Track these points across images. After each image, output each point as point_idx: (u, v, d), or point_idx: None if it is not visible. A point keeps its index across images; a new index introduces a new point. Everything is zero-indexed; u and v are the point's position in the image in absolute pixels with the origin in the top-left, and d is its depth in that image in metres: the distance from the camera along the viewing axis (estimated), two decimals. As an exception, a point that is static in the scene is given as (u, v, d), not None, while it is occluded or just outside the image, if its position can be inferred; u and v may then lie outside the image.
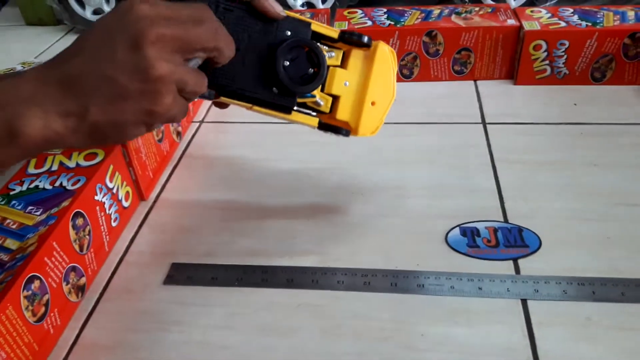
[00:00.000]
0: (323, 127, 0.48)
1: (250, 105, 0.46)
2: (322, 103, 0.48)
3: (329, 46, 0.49)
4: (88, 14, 1.05)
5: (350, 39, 0.48)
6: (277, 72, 0.45)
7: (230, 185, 0.64)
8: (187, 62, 0.38)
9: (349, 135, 0.49)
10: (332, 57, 0.48)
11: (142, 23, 0.35)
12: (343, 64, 0.49)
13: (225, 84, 0.44)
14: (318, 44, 0.47)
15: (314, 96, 0.48)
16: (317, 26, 0.47)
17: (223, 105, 0.54)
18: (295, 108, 0.47)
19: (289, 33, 0.46)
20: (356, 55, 0.49)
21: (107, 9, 1.04)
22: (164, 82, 0.35)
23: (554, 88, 0.78)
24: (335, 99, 0.49)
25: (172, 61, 0.36)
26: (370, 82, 0.49)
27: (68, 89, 0.35)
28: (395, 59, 0.50)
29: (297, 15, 0.47)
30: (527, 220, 0.55)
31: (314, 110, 0.49)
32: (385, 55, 0.49)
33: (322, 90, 0.48)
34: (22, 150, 0.35)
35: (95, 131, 0.36)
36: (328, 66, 0.48)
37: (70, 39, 1.08)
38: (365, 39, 0.48)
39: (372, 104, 0.49)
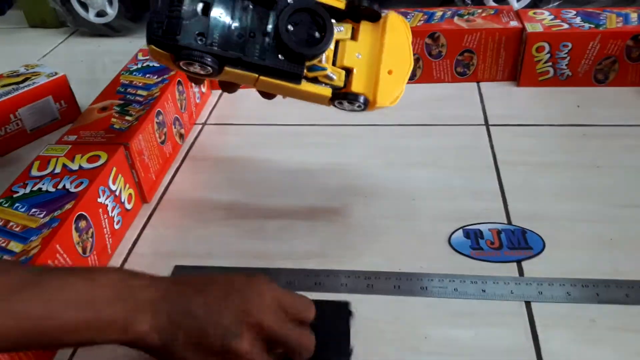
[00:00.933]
0: (337, 97, 0.46)
1: (256, 76, 0.44)
2: (334, 77, 0.46)
3: (337, 21, 0.46)
4: (91, 16, 1.05)
5: (360, 7, 0.46)
6: (280, 36, 0.43)
7: (232, 187, 0.64)
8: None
9: (367, 105, 0.46)
10: (341, 31, 0.46)
11: (262, 307, 0.39)
12: (353, 37, 0.47)
13: (229, 55, 0.43)
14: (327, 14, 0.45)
15: (325, 69, 0.45)
16: None
17: (230, 88, 0.51)
18: (305, 80, 0.45)
19: (290, 0, 0.44)
20: (366, 27, 0.47)
21: (109, 11, 1.04)
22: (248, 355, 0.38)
23: (557, 90, 0.78)
24: (349, 72, 0.46)
25: (258, 347, 0.39)
26: (384, 51, 0.46)
27: (173, 324, 0.37)
28: (408, 28, 0.48)
29: None
30: (530, 222, 0.55)
31: (327, 85, 0.46)
32: (398, 23, 0.47)
33: (334, 65, 0.46)
34: (112, 341, 0.37)
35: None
36: (338, 40, 0.46)
37: (73, 41, 1.08)
38: (375, 5, 0.46)
39: (389, 72, 0.46)
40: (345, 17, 0.47)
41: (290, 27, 0.43)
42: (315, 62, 0.45)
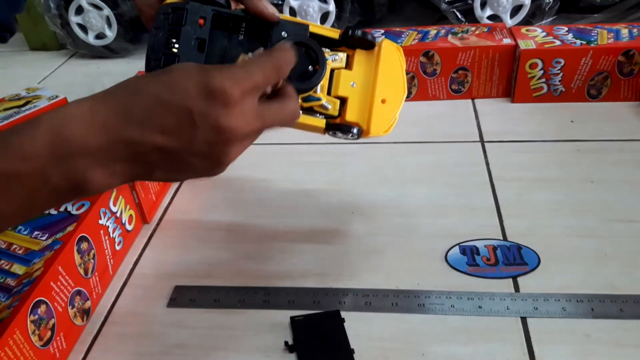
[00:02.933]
0: (331, 127, 0.46)
1: None
2: (329, 106, 0.46)
3: (331, 49, 0.48)
4: (90, 38, 1.06)
5: (353, 38, 0.46)
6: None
7: (231, 207, 0.65)
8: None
9: (360, 135, 0.47)
10: (335, 60, 0.47)
11: (234, 124, 0.35)
12: (348, 66, 0.48)
13: None
14: (320, 47, 0.46)
15: (319, 99, 0.46)
16: (316, 27, 0.46)
17: None
18: (300, 112, 0.46)
19: (285, 34, 0.45)
20: (361, 56, 0.48)
21: (109, 33, 1.05)
22: (231, 161, 0.37)
23: (551, 105, 0.79)
24: (343, 101, 0.47)
25: (248, 144, 0.38)
26: (377, 80, 0.47)
27: (137, 157, 0.34)
28: (402, 55, 0.49)
29: (293, 19, 0.46)
30: (525, 237, 0.56)
31: (322, 115, 0.47)
32: (392, 51, 0.48)
33: (328, 94, 0.47)
34: (77, 199, 0.36)
35: (153, 180, 0.37)
36: (332, 70, 0.47)
37: (73, 64, 1.10)
38: (369, 36, 0.47)
39: (383, 101, 0.47)
40: (341, 45, 0.48)
41: None
42: (310, 92, 0.46)
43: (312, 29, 0.46)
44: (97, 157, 0.33)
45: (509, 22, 0.95)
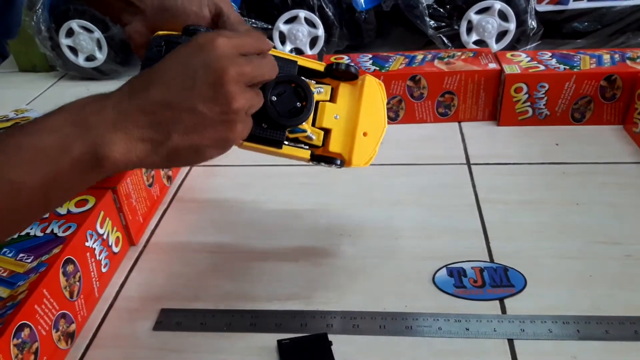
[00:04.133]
0: (315, 158, 0.49)
1: (240, 141, 0.46)
2: (314, 137, 0.49)
3: (317, 82, 0.49)
4: (81, 60, 1.07)
5: (337, 70, 0.49)
6: (265, 107, 0.45)
7: (219, 229, 0.65)
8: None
9: (342, 166, 0.49)
10: (321, 92, 0.49)
11: (224, 62, 0.38)
12: (332, 99, 0.50)
13: None
14: (307, 80, 0.47)
15: (305, 131, 0.48)
16: (304, 61, 0.48)
17: None
18: (286, 143, 0.47)
19: None
20: (345, 89, 0.50)
21: (99, 55, 1.06)
22: (240, 112, 0.39)
23: (536, 128, 0.80)
24: (327, 132, 0.49)
25: (246, 92, 0.39)
26: (360, 114, 0.49)
27: (151, 118, 0.37)
28: (383, 90, 0.51)
29: (283, 53, 0.48)
30: (512, 259, 0.56)
31: (306, 144, 0.49)
32: (373, 87, 0.50)
33: (313, 125, 0.49)
34: (103, 173, 0.37)
35: (174, 155, 0.39)
36: (317, 101, 0.48)
37: (62, 85, 1.10)
38: (352, 69, 0.49)
39: (364, 134, 0.49)
40: (325, 77, 0.50)
41: (273, 98, 0.46)
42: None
43: (300, 63, 0.48)
44: (113, 124, 0.36)
45: (495, 47, 0.97)
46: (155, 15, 0.48)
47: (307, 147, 0.49)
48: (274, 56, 0.47)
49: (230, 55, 0.38)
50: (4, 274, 0.49)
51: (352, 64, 0.49)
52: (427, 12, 0.96)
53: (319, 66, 0.49)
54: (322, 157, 0.48)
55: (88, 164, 0.36)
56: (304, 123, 0.48)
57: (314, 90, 0.48)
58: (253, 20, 1.01)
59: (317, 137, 0.49)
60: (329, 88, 0.50)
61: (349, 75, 0.50)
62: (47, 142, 0.35)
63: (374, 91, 0.50)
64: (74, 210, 0.55)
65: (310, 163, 0.49)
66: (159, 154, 0.38)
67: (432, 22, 0.97)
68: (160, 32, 0.47)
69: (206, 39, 0.38)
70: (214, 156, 0.41)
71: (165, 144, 0.38)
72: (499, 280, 0.54)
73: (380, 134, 0.50)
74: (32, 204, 0.36)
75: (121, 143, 0.36)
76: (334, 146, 0.49)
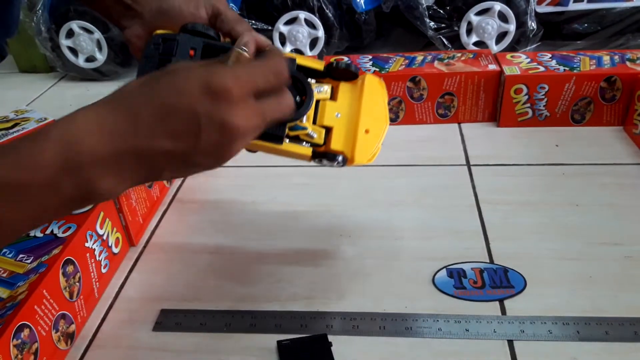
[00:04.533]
0: (317, 155, 0.48)
1: None
2: (315, 135, 0.48)
3: (317, 81, 0.49)
4: (81, 61, 1.07)
5: (337, 69, 0.48)
6: None
7: (219, 230, 0.65)
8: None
9: (345, 164, 0.48)
10: (321, 91, 0.49)
11: (233, 118, 0.36)
12: (333, 97, 0.49)
13: None
14: (307, 79, 0.47)
15: (305, 128, 0.47)
16: (303, 60, 0.48)
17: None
18: (287, 140, 0.47)
19: None
20: (345, 87, 0.50)
21: (99, 56, 1.06)
22: (234, 155, 0.38)
23: (536, 130, 0.80)
24: (328, 130, 0.48)
25: (249, 135, 0.38)
26: (361, 111, 0.49)
27: (145, 162, 0.35)
28: (384, 88, 0.51)
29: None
30: (511, 260, 0.56)
31: (308, 143, 0.48)
32: (374, 84, 0.50)
33: (314, 123, 0.48)
34: (89, 205, 0.37)
35: (161, 180, 0.38)
36: (318, 100, 0.48)
37: (62, 86, 1.10)
38: (352, 67, 0.48)
39: (366, 132, 0.48)
40: (325, 76, 0.49)
41: None
42: (296, 121, 0.47)
43: (299, 61, 0.48)
44: (106, 166, 0.34)
45: (495, 48, 0.97)
46: (153, 18, 0.48)
47: (309, 145, 0.48)
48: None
49: (240, 105, 0.36)
50: (4, 275, 0.49)
51: (352, 63, 0.49)
52: (427, 13, 0.96)
53: (319, 65, 0.49)
54: (323, 153, 0.48)
55: (75, 201, 0.35)
56: (304, 120, 0.47)
57: (314, 89, 0.48)
58: (253, 22, 1.01)
59: (318, 135, 0.48)
60: (329, 87, 0.49)
61: (349, 74, 0.49)
62: (36, 180, 0.33)
63: (374, 89, 0.50)
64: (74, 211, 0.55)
65: (312, 162, 0.49)
66: (148, 182, 0.38)
67: (432, 24, 0.97)
68: (159, 31, 0.47)
69: (218, 83, 0.35)
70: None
71: (153, 179, 0.38)
72: (499, 281, 0.54)
73: (383, 130, 0.50)
74: (8, 235, 0.36)
75: (110, 181, 0.35)
76: (336, 144, 0.48)
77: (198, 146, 0.36)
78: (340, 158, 0.48)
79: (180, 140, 0.35)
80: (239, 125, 0.36)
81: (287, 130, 0.47)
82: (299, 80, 0.46)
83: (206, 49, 0.46)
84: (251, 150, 0.51)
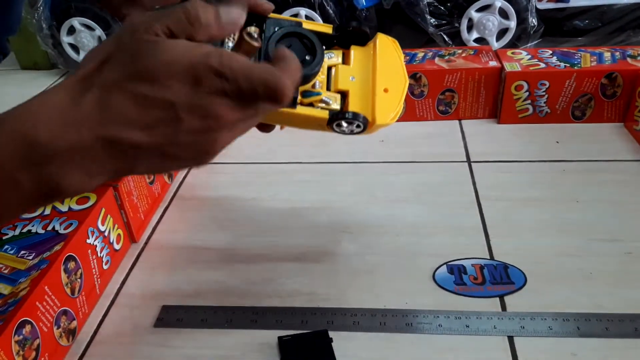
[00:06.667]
0: (335, 118, 0.45)
1: None
2: (330, 101, 0.45)
3: (326, 49, 0.46)
4: (82, 58, 1.07)
5: (348, 30, 0.46)
6: (270, 62, 0.41)
7: (220, 226, 0.65)
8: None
9: (366, 126, 0.45)
10: (332, 57, 0.47)
11: (205, 99, 0.32)
12: (345, 62, 0.47)
13: None
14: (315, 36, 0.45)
15: (319, 94, 0.45)
16: (309, 24, 0.46)
17: (266, 128, 0.49)
18: (301, 104, 0.44)
19: (277, 29, 0.44)
20: (357, 51, 0.47)
21: (100, 53, 1.06)
22: (219, 151, 0.35)
23: (536, 126, 0.80)
24: (344, 95, 0.46)
25: (238, 132, 0.35)
26: (377, 70, 0.46)
27: (116, 156, 0.32)
28: (399, 47, 0.49)
29: (286, 17, 0.45)
30: (512, 257, 0.56)
31: (324, 109, 0.45)
32: (387, 43, 0.48)
33: (328, 90, 0.46)
34: (56, 201, 0.33)
35: (136, 175, 0.35)
36: (330, 67, 0.46)
37: (64, 83, 1.10)
38: (363, 26, 0.46)
39: (385, 90, 0.46)
40: (334, 44, 0.47)
41: None
42: (308, 87, 0.45)
43: (305, 25, 0.45)
44: (70, 160, 0.31)
45: (495, 45, 0.96)
46: (153, 6, 0.48)
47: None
48: (276, 19, 0.44)
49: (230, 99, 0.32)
50: (6, 271, 0.49)
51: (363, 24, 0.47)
52: (427, 9, 0.96)
53: (327, 29, 0.46)
54: (342, 114, 0.44)
55: (38, 197, 0.32)
56: (317, 86, 0.45)
57: (324, 55, 0.45)
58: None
59: (334, 101, 0.45)
60: (339, 53, 0.47)
61: (360, 35, 0.47)
62: None
63: (388, 48, 0.48)
64: (75, 207, 0.56)
65: (329, 129, 0.46)
66: (120, 177, 0.35)
67: (432, 20, 0.97)
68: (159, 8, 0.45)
69: (202, 71, 0.31)
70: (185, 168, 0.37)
71: (126, 174, 0.34)
72: (499, 278, 0.54)
73: (403, 88, 0.47)
74: None
75: (77, 177, 0.31)
76: (354, 107, 0.45)
77: (175, 138, 0.32)
78: (361, 118, 0.44)
79: (153, 131, 0.31)
80: (223, 114, 0.33)
81: (299, 97, 0.44)
82: (305, 37, 0.44)
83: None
84: (265, 126, 0.48)
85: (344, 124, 0.45)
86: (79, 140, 0.30)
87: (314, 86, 0.45)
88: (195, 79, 0.31)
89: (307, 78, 0.44)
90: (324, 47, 0.45)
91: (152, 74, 0.31)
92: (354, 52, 0.47)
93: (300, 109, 0.44)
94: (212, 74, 0.32)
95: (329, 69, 0.46)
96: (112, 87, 0.31)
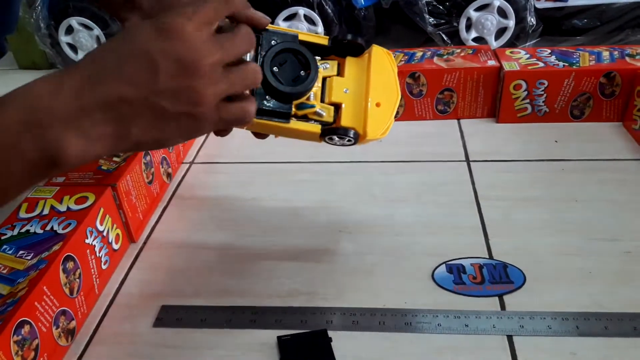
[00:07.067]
0: (327, 132, 0.46)
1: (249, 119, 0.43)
2: (323, 113, 0.46)
3: (322, 58, 0.47)
4: (80, 58, 1.07)
5: (343, 42, 0.47)
6: (265, 78, 0.43)
7: (219, 226, 0.65)
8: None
9: (357, 140, 0.46)
10: (327, 68, 0.47)
11: (190, 53, 0.35)
12: (340, 73, 0.48)
13: None
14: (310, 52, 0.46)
15: (313, 106, 0.46)
16: (305, 36, 0.46)
17: (262, 135, 0.50)
18: (295, 119, 0.46)
19: (274, 42, 0.45)
20: (352, 62, 0.48)
21: (99, 53, 1.06)
22: (210, 106, 0.37)
23: (535, 125, 0.80)
24: (338, 107, 0.47)
25: (219, 83, 0.37)
26: (370, 84, 0.47)
27: (109, 114, 0.35)
28: (393, 60, 0.49)
29: (282, 28, 0.46)
30: (511, 256, 0.56)
31: (317, 122, 0.47)
32: (382, 55, 0.48)
33: (322, 102, 0.46)
34: (58, 171, 0.35)
35: (134, 147, 0.37)
36: (324, 78, 0.47)
37: (62, 83, 1.09)
38: (359, 39, 0.47)
39: (377, 105, 0.47)
40: (330, 54, 0.48)
41: (275, 69, 0.44)
42: (303, 99, 0.46)
43: (301, 37, 0.46)
44: (70, 124, 0.34)
45: (494, 44, 0.97)
46: (152, 10, 0.48)
47: (318, 124, 0.47)
48: (273, 31, 0.45)
49: (196, 42, 0.35)
50: (4, 271, 0.49)
51: (357, 36, 0.47)
52: (426, 9, 0.96)
53: (323, 40, 0.47)
54: (334, 129, 0.46)
55: (41, 166, 0.34)
56: (311, 98, 0.46)
57: (319, 66, 0.46)
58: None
59: (327, 113, 0.46)
60: (335, 63, 0.48)
61: (356, 47, 0.47)
62: None
63: (382, 60, 0.48)
64: (74, 207, 0.56)
65: (322, 141, 0.47)
66: (119, 148, 0.36)
67: (431, 19, 0.97)
68: None
69: (169, 24, 0.35)
70: (182, 142, 0.39)
71: (125, 139, 0.36)
72: (498, 277, 0.54)
73: (395, 102, 0.48)
74: None
75: (78, 142, 0.34)
76: (346, 120, 0.46)
77: (157, 86, 0.35)
78: (351, 133, 0.46)
79: (136, 82, 0.34)
80: (194, 57, 0.35)
81: (293, 108, 0.45)
82: (300, 53, 0.45)
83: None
84: (260, 134, 0.50)
85: (336, 138, 0.46)
86: (76, 104, 0.34)
87: (308, 98, 0.46)
88: (162, 34, 0.35)
89: (301, 94, 0.45)
90: (318, 58, 0.46)
91: (127, 32, 0.36)
92: (349, 63, 0.48)
93: (294, 124, 0.45)
94: (174, 29, 0.35)
95: (324, 79, 0.47)
96: (98, 56, 0.36)
